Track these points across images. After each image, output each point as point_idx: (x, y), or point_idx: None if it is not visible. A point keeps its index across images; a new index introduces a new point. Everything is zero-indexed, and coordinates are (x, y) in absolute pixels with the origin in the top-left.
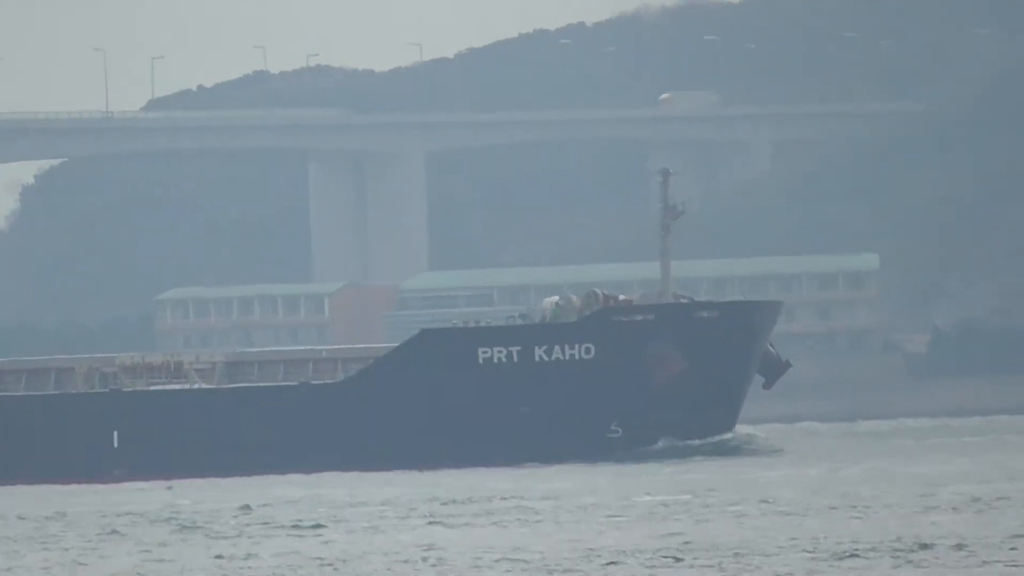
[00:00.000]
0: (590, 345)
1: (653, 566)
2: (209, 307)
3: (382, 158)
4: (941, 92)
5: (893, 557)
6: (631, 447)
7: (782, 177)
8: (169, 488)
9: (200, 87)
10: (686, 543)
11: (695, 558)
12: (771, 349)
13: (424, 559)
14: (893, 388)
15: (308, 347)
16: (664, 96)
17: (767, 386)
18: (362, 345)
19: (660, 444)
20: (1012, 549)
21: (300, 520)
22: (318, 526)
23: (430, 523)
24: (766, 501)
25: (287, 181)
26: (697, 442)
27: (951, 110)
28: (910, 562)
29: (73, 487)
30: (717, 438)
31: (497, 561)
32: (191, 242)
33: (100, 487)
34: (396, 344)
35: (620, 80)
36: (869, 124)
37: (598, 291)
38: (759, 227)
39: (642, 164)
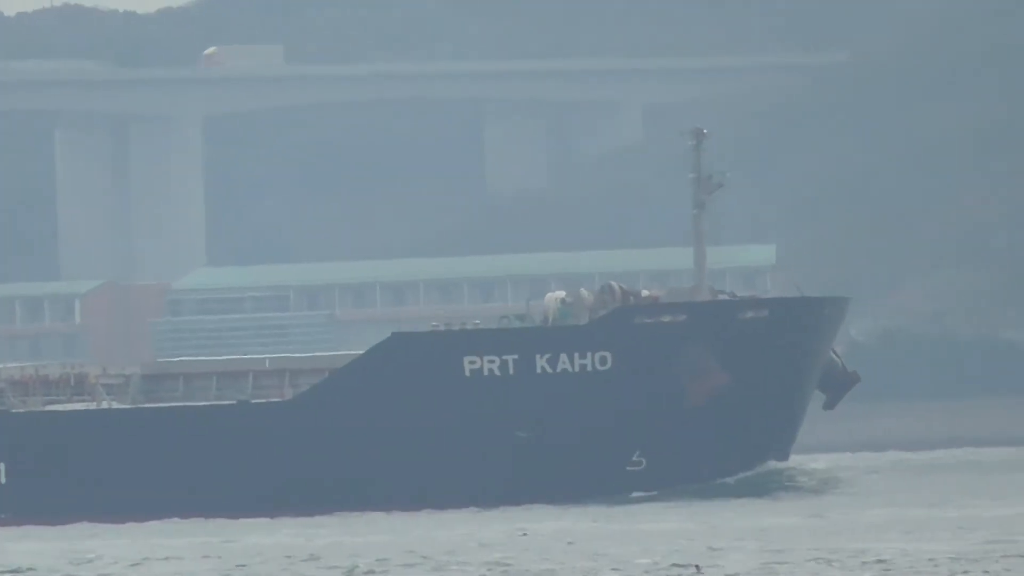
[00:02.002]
0: (606, 353)
1: None
2: None
3: (149, 123)
4: (860, 41)
5: None
6: (657, 483)
7: (655, 149)
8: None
9: None
10: None
11: None
12: (835, 357)
13: None
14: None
15: (246, 356)
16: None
17: (829, 405)
18: (317, 354)
19: (691, 479)
20: None
21: None
22: None
23: None
24: None
25: (28, 152)
26: (736, 477)
27: (873, 63)
28: None
29: None
30: (766, 470)
31: None
32: None
33: None
34: (358, 352)
35: (452, 27)
36: (768, 81)
37: (615, 285)
38: (626, 211)
39: (478, 131)
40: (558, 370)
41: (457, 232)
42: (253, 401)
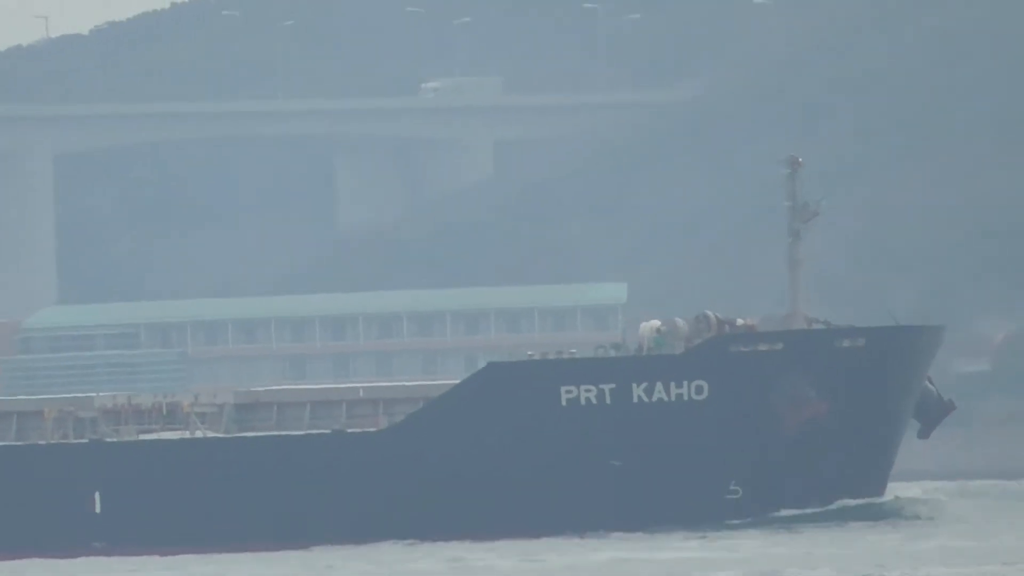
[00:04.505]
0: (702, 382)
1: None
2: None
3: None
4: (709, 78)
5: None
6: (753, 512)
7: (505, 186)
8: None
9: None
10: None
11: None
12: (930, 386)
13: None
14: None
15: (341, 384)
16: None
17: (924, 434)
18: (412, 383)
19: (788, 508)
20: None
21: None
22: None
23: None
24: None
25: None
26: (837, 505)
27: (722, 99)
28: None
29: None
30: (864, 500)
31: None
32: None
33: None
34: (454, 380)
35: (301, 63)
36: (618, 118)
37: (710, 314)
38: (475, 249)
39: (330, 168)
40: (654, 399)
41: (308, 269)
42: (348, 431)
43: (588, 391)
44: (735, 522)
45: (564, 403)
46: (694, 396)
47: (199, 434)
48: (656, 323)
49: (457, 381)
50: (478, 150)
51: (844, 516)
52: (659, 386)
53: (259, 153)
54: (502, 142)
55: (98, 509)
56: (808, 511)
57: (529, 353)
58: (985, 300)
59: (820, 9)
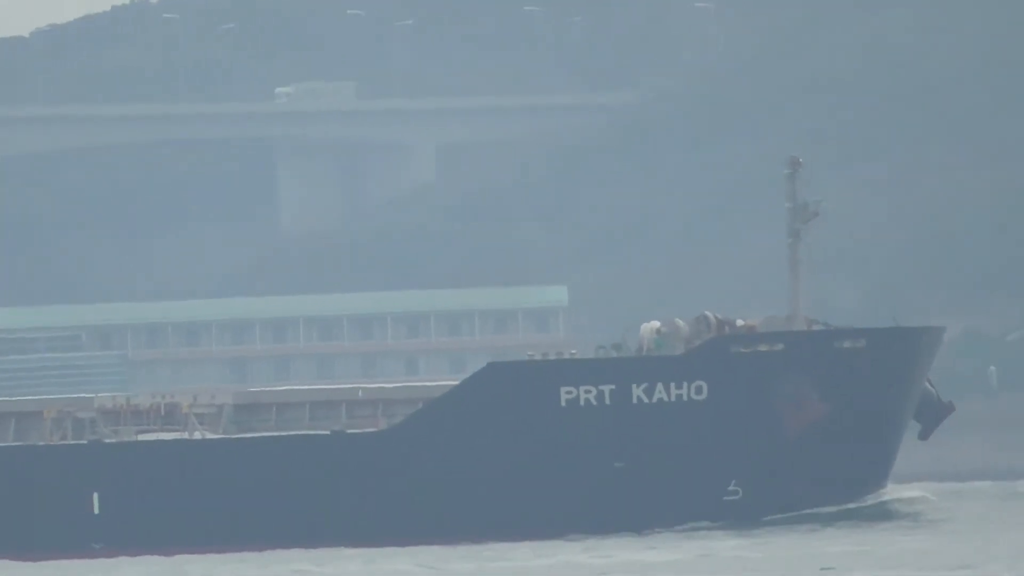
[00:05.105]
0: (702, 383)
1: None
2: None
3: None
4: (652, 81)
5: None
6: (753, 513)
7: (448, 189)
8: None
9: None
10: None
11: None
12: (929, 388)
13: None
14: None
15: (341, 385)
16: None
17: (924, 435)
18: (411, 383)
19: (788, 509)
20: None
21: None
22: None
23: None
24: None
25: None
26: (835, 508)
27: (664, 103)
28: None
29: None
30: (863, 501)
31: None
32: None
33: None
34: (454, 381)
35: (241, 66)
36: (560, 122)
37: (710, 315)
38: (417, 252)
39: (272, 171)
40: (654, 400)
41: (250, 272)
42: (348, 431)
43: (588, 392)
44: (712, 524)
45: (564, 404)
46: (694, 397)
47: (198, 435)
48: (656, 324)
49: (456, 382)
50: (421, 154)
51: (825, 518)
52: (659, 387)
53: (201, 156)
54: (445, 146)
55: (96, 510)
56: (798, 512)
57: (529, 353)
58: (932, 302)
59: (763, 13)
